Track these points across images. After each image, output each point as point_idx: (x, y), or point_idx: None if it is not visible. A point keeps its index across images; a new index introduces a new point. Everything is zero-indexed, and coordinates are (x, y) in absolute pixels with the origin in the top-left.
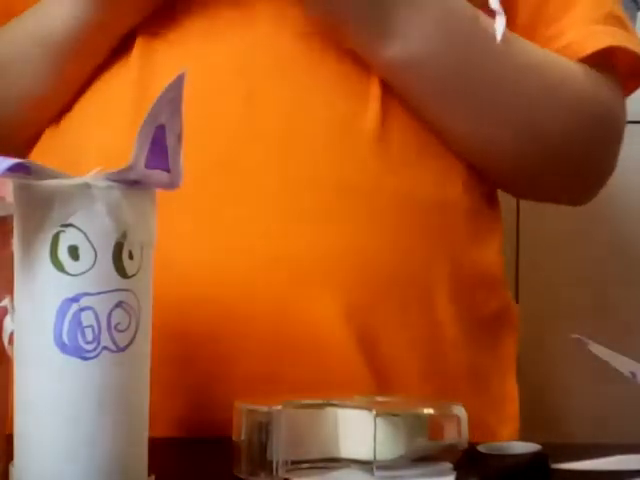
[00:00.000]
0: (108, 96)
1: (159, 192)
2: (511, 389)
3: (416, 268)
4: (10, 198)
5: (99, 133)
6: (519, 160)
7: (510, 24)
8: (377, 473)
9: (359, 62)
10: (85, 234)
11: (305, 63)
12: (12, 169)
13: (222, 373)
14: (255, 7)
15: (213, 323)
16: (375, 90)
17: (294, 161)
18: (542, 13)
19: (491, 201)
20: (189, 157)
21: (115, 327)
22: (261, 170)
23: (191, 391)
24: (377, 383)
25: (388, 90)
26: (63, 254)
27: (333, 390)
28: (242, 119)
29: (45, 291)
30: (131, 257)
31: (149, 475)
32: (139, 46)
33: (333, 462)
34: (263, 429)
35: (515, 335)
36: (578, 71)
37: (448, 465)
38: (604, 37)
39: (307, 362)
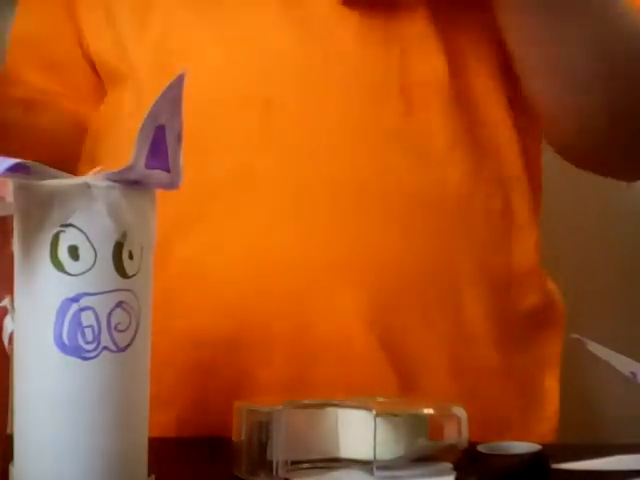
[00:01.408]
0: (120, 107)
1: (175, 201)
2: (550, 387)
3: (439, 268)
4: (10, 198)
5: (112, 151)
6: (615, 108)
7: None
8: (377, 473)
9: (377, 63)
10: (85, 234)
11: (320, 69)
12: (12, 169)
13: (246, 380)
14: (270, 15)
15: (235, 331)
16: (395, 90)
17: (311, 166)
18: None
19: (527, 196)
20: (207, 165)
21: (115, 327)
22: (277, 176)
23: (215, 400)
24: (401, 383)
25: (408, 89)
26: (63, 254)
27: (357, 392)
28: (259, 127)
29: (45, 291)
30: (131, 257)
31: (149, 475)
32: (154, 61)
33: (333, 462)
34: (263, 429)
35: (558, 331)
36: None
37: (448, 465)
38: None
39: (330, 365)
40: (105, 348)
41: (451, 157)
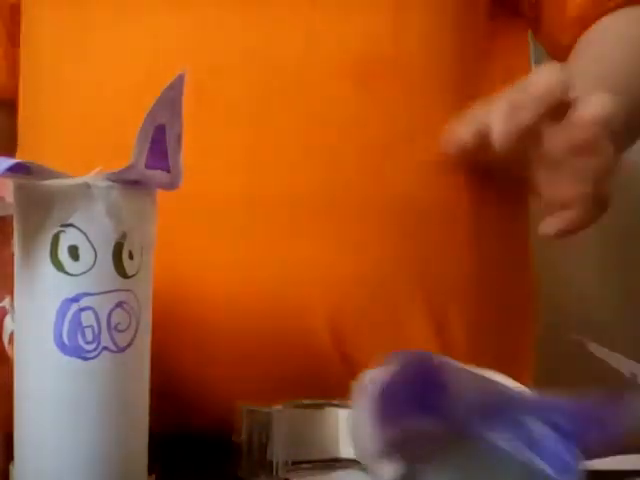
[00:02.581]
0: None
1: None
2: None
3: (386, 282)
4: (10, 198)
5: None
6: None
7: None
8: None
9: (324, 54)
10: (85, 234)
11: (264, 53)
12: (12, 169)
13: (208, 396)
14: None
15: (192, 351)
16: (346, 84)
17: (254, 173)
18: None
19: (501, 198)
20: None
21: (115, 327)
22: (214, 183)
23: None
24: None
25: (361, 79)
26: (63, 254)
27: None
28: (191, 120)
29: (45, 291)
30: (131, 257)
31: (149, 475)
32: (78, 39)
33: (333, 462)
34: (263, 429)
35: (528, 328)
36: None
37: None
38: None
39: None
40: (105, 348)
41: (408, 163)
